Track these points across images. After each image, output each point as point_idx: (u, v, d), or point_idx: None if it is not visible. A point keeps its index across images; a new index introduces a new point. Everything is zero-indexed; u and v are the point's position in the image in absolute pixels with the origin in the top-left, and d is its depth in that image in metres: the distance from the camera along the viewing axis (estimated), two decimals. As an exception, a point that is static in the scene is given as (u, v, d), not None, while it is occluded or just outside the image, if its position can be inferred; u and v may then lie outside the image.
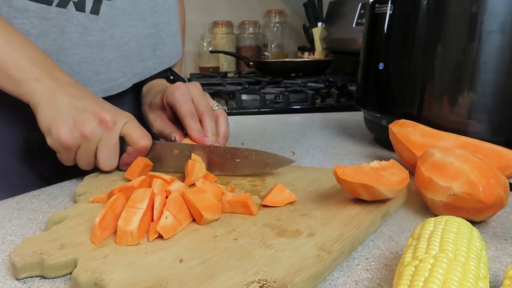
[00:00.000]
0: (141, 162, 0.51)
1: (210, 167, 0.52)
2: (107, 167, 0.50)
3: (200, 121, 0.55)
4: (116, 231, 0.35)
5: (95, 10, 0.56)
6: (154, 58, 0.66)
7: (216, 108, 0.58)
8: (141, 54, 0.64)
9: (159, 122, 0.59)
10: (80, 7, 0.55)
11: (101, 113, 0.48)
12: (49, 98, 0.48)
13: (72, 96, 0.48)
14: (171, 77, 0.71)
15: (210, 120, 0.56)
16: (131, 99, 0.72)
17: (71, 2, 0.54)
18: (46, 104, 0.47)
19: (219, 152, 0.52)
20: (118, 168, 0.52)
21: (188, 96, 0.56)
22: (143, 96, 0.66)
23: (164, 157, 0.53)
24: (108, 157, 0.50)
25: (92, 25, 0.57)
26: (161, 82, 0.69)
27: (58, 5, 0.53)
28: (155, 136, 0.59)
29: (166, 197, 0.39)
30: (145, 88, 0.68)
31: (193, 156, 0.51)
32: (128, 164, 0.52)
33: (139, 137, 0.51)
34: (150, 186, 0.42)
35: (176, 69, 0.73)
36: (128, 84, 0.65)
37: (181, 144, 0.54)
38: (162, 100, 0.58)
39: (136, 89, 0.74)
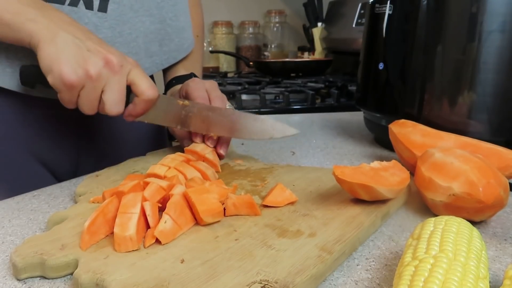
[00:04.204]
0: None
1: (214, 128, 0.54)
2: (114, 111, 0.48)
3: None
4: (106, 235, 0.35)
5: (103, 8, 0.57)
6: (160, 53, 0.67)
7: (228, 107, 0.59)
8: (149, 50, 0.65)
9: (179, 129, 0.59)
10: (88, 5, 0.56)
11: (107, 54, 0.46)
12: (49, 35, 0.45)
13: (74, 34, 0.46)
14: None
15: (220, 105, 0.57)
16: None
17: (81, 1, 0.55)
18: (47, 41, 0.45)
19: (225, 113, 0.55)
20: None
21: (202, 86, 0.58)
22: None
23: (169, 111, 0.53)
24: (115, 102, 0.47)
25: (102, 22, 0.57)
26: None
27: (70, 4, 0.54)
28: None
29: (160, 201, 0.39)
30: (169, 93, 0.68)
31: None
32: (134, 115, 0.51)
33: (147, 87, 0.49)
34: (143, 190, 0.40)
35: (194, 68, 0.73)
36: None
37: (189, 101, 0.55)
38: (180, 95, 0.60)
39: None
